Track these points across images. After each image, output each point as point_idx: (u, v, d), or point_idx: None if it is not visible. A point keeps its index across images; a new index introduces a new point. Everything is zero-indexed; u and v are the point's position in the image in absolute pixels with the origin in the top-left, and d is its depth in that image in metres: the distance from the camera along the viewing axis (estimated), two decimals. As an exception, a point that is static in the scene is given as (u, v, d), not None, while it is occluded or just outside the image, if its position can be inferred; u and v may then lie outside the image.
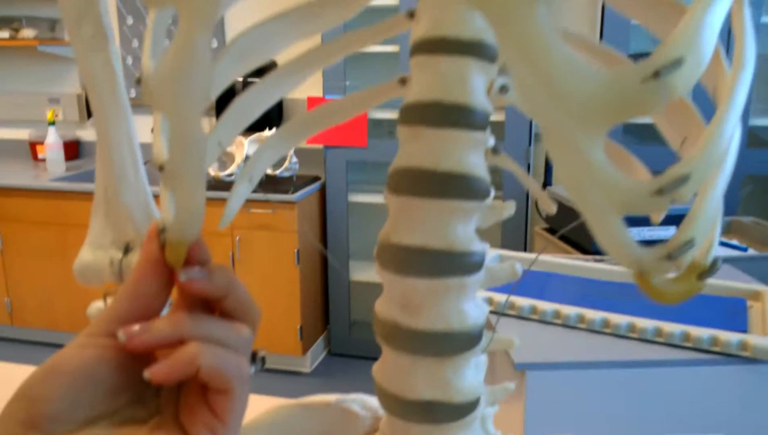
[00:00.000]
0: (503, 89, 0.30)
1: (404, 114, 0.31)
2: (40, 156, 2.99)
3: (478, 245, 0.30)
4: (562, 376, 0.83)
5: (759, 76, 2.10)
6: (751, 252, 1.53)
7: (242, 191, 0.32)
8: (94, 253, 0.44)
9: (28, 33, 2.83)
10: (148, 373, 0.26)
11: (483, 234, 0.32)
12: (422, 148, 0.30)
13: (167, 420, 0.28)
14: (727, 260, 1.32)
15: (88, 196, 2.39)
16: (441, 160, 0.29)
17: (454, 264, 0.30)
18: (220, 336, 0.28)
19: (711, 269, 0.22)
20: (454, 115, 0.29)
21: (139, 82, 0.25)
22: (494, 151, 0.31)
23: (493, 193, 0.31)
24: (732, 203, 2.00)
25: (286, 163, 2.43)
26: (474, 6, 0.19)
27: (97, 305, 0.52)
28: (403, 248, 0.30)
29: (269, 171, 2.46)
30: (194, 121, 0.25)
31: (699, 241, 0.21)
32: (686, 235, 0.21)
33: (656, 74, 0.19)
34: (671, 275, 0.22)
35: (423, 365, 0.31)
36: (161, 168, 0.26)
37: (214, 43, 2.65)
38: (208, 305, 0.29)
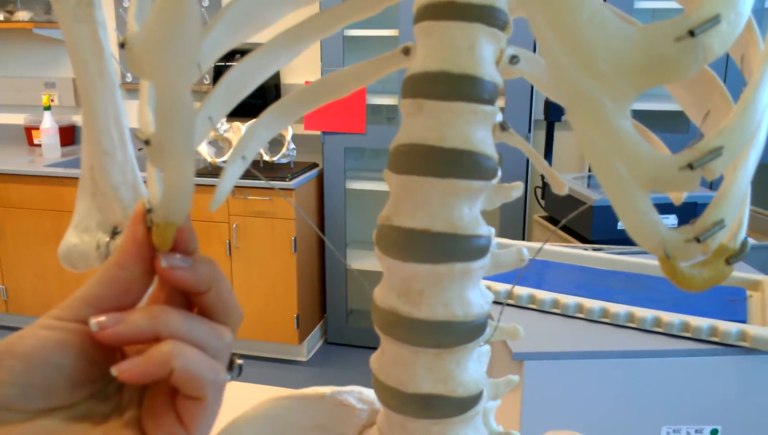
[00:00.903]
0: (514, 59, 0.28)
1: (408, 85, 0.29)
2: (35, 141, 2.96)
3: (484, 228, 0.28)
4: (560, 366, 0.82)
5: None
6: (750, 241, 1.52)
7: (235, 171, 0.29)
8: (79, 236, 0.41)
9: (23, 15, 2.79)
10: (116, 370, 0.24)
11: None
12: (427, 123, 0.27)
13: (127, 421, 0.26)
14: (729, 250, 1.31)
15: (82, 181, 2.36)
16: (447, 135, 0.27)
17: (459, 248, 0.27)
18: (199, 337, 0.25)
19: (740, 252, 0.20)
20: (461, 87, 0.27)
21: (122, 46, 0.23)
22: (502, 127, 0.29)
23: (500, 173, 0.29)
24: (733, 193, 1.99)
25: (284, 150, 2.40)
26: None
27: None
28: (404, 231, 0.28)
29: (267, 157, 2.43)
30: (182, 90, 0.23)
31: (729, 221, 0.19)
32: (716, 215, 0.19)
33: (691, 32, 0.17)
34: (698, 260, 0.20)
35: (424, 357, 0.29)
36: (147, 142, 0.24)
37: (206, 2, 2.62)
38: (188, 300, 0.27)
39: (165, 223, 0.25)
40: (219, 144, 2.50)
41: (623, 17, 0.30)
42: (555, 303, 0.91)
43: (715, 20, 0.17)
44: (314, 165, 2.52)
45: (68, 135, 2.97)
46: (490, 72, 0.27)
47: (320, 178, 2.52)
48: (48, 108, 2.70)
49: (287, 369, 2.46)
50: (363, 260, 2.58)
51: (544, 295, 0.92)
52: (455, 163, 0.27)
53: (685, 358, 0.81)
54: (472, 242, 0.28)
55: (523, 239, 2.30)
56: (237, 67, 0.31)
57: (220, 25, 0.28)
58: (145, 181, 0.36)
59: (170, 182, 0.24)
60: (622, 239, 1.53)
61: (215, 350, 0.26)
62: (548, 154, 2.20)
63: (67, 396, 0.25)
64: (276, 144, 2.49)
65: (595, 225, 1.65)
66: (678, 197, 0.23)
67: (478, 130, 0.27)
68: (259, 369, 2.44)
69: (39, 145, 2.88)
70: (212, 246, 2.41)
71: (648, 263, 1.01)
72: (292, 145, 2.44)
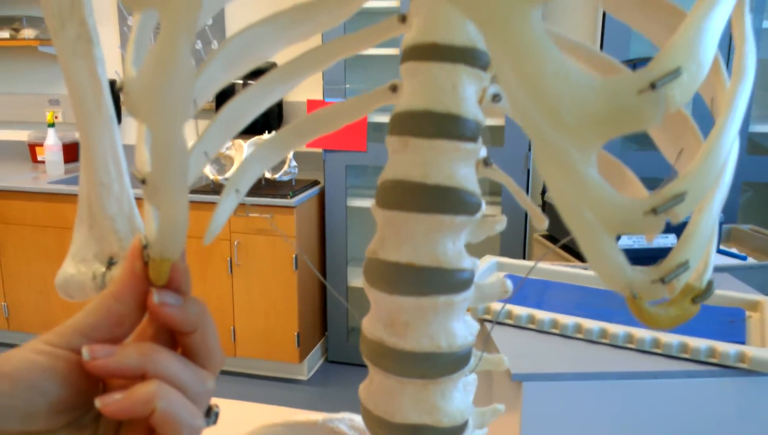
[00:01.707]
0: (496, 98, 0.29)
1: (393, 123, 0.30)
2: (39, 157, 2.98)
3: (467, 262, 0.29)
4: (559, 387, 0.82)
5: (758, 82, 2.09)
6: (750, 261, 1.52)
7: (229, 204, 0.30)
8: (76, 266, 0.43)
9: (28, 33, 2.82)
10: (99, 402, 0.25)
11: (482, 240, 0.31)
12: (411, 160, 0.29)
13: None
14: (726, 269, 1.31)
15: (85, 198, 2.37)
16: (431, 172, 0.28)
17: (443, 281, 0.28)
18: (184, 381, 0.26)
19: (706, 292, 0.21)
20: (444, 126, 0.28)
21: (121, 90, 0.25)
22: (485, 162, 0.30)
23: (484, 207, 0.30)
24: (731, 211, 1.99)
25: (285, 167, 2.42)
26: (463, 11, 0.18)
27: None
28: (390, 264, 0.29)
29: (268, 175, 2.45)
30: (176, 133, 0.24)
31: (694, 263, 0.20)
32: (680, 257, 0.20)
33: (653, 85, 0.18)
34: (664, 299, 0.21)
35: (410, 387, 0.29)
36: (143, 181, 0.25)
37: (214, 44, 2.65)
38: (174, 338, 0.28)
39: (160, 258, 0.26)
40: (221, 161, 2.52)
41: (599, 57, 0.31)
42: (554, 323, 0.91)
43: (676, 73, 0.18)
44: (316, 182, 2.53)
45: (72, 152, 3.00)
46: (472, 111, 0.29)
47: (321, 195, 2.53)
48: (52, 125, 2.72)
49: (288, 388, 2.46)
50: (364, 277, 2.58)
51: (543, 315, 0.92)
52: (439, 199, 0.28)
53: (683, 380, 0.81)
54: (456, 276, 0.29)
55: (524, 258, 2.30)
56: (232, 101, 0.32)
57: (216, 61, 0.29)
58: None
59: (165, 220, 0.25)
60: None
61: (197, 395, 0.27)
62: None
63: (46, 421, 0.25)
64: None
65: (594, 244, 1.64)
66: (651, 237, 0.24)
67: (461, 167, 0.28)
68: (259, 388, 2.44)
69: (42, 162, 2.91)
70: (213, 263, 2.42)
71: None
72: (294, 163, 2.46)
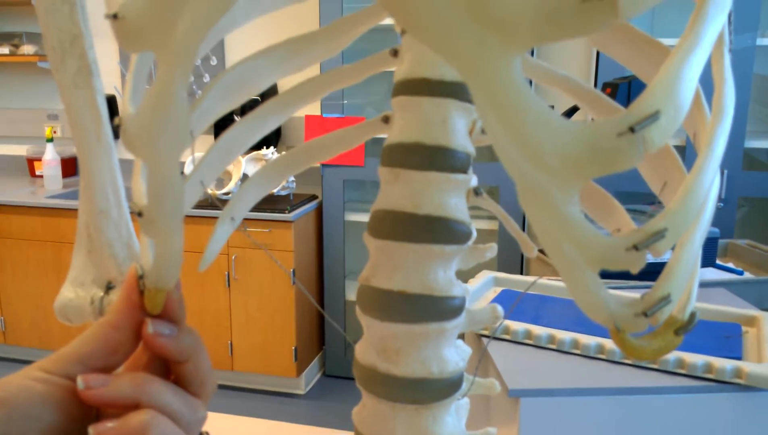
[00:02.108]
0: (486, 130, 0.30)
1: (386, 155, 0.31)
2: (37, 172, 2.99)
3: (458, 289, 0.30)
4: (556, 403, 0.82)
5: (753, 97, 2.11)
6: (746, 276, 1.53)
7: (224, 232, 0.31)
8: (75, 291, 0.43)
9: (28, 49, 2.84)
10: (93, 431, 0.25)
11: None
12: (403, 191, 0.29)
13: None
14: (722, 284, 1.32)
15: (84, 213, 2.37)
16: (421, 203, 0.29)
17: (434, 309, 0.29)
18: (176, 410, 0.27)
19: (688, 324, 0.21)
20: (435, 158, 0.29)
21: (118, 127, 0.25)
22: (476, 192, 0.30)
23: (474, 235, 0.30)
24: (728, 226, 2.00)
25: (283, 182, 2.43)
26: (445, 59, 0.19)
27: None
28: (382, 292, 0.29)
29: (266, 189, 2.45)
30: (172, 169, 0.25)
31: (675, 296, 0.21)
32: (662, 291, 0.21)
33: (632, 129, 0.19)
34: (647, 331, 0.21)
35: (402, 412, 0.30)
36: (140, 214, 0.26)
37: (214, 61, 2.67)
38: (167, 365, 0.28)
39: (156, 288, 0.27)
40: (220, 176, 2.52)
41: (584, 90, 0.32)
42: (551, 338, 0.92)
43: (654, 117, 0.19)
44: (313, 197, 2.54)
45: (70, 166, 3.01)
46: (462, 143, 0.29)
47: (319, 209, 2.54)
48: (51, 140, 2.73)
49: (285, 402, 2.44)
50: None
51: (540, 330, 0.92)
52: (430, 229, 0.29)
53: (680, 395, 0.81)
54: (447, 303, 0.29)
55: (521, 273, 2.31)
56: (228, 131, 0.33)
57: (212, 94, 0.30)
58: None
59: (160, 251, 0.26)
60: (620, 274, 1.54)
61: (189, 424, 0.27)
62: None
63: None
64: (276, 176, 2.51)
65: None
66: (634, 270, 0.24)
67: (451, 197, 0.29)
68: (256, 402, 2.43)
69: (41, 176, 2.92)
70: (211, 277, 2.42)
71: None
72: (292, 178, 2.47)
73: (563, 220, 0.19)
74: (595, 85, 2.27)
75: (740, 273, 1.52)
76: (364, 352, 0.31)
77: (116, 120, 0.25)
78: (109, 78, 2.84)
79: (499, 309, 0.31)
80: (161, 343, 0.27)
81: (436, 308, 0.29)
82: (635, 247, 0.20)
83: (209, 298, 2.43)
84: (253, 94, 0.34)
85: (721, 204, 2.02)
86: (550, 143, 0.18)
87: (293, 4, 0.34)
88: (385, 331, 0.30)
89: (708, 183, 0.22)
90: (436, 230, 0.29)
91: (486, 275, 1.16)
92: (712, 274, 1.49)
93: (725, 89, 0.24)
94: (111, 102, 2.47)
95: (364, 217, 2.51)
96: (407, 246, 0.29)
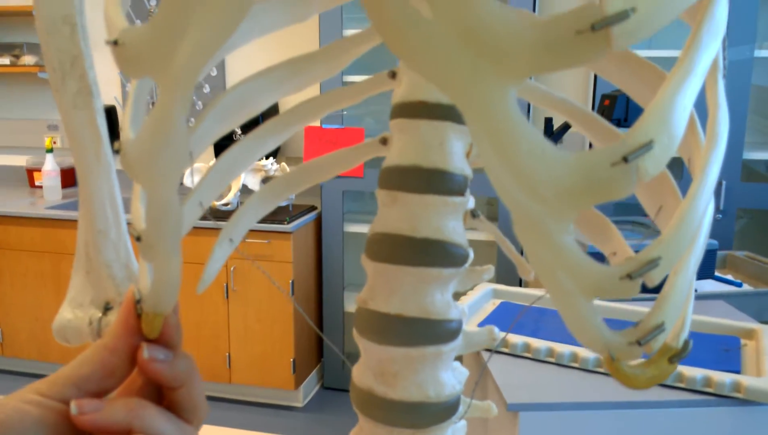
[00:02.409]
0: (482, 154, 0.30)
1: (383, 177, 0.31)
2: (37, 183, 2.99)
3: (455, 312, 0.30)
4: (555, 417, 0.82)
5: (751, 108, 2.12)
6: (745, 288, 1.53)
7: (222, 253, 0.31)
8: (73, 311, 0.43)
9: (28, 60, 2.86)
10: None
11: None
12: (400, 214, 0.29)
13: None
14: (721, 296, 1.32)
15: (83, 224, 2.37)
16: (419, 226, 0.29)
17: (432, 332, 0.29)
18: None
19: (682, 352, 0.22)
20: (432, 181, 0.29)
21: (118, 152, 0.26)
22: (473, 214, 0.31)
23: (471, 257, 0.31)
24: (726, 237, 2.01)
25: (281, 202, 2.43)
26: (440, 87, 0.19)
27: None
28: (379, 315, 0.30)
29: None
30: (171, 195, 0.25)
31: (669, 325, 0.21)
32: (656, 320, 0.21)
33: (626, 158, 0.19)
34: (641, 360, 0.21)
35: (399, 436, 0.30)
36: (138, 238, 0.26)
37: (213, 72, 2.68)
38: (161, 389, 0.29)
39: (153, 313, 0.27)
40: (219, 187, 2.52)
41: (580, 112, 0.32)
42: (550, 352, 0.92)
43: (647, 146, 0.19)
44: (312, 208, 2.54)
45: (70, 177, 3.01)
46: (459, 165, 0.30)
47: (318, 221, 2.54)
48: (50, 150, 2.74)
49: (283, 415, 2.43)
50: (361, 302, 2.57)
51: (539, 343, 0.92)
52: (427, 253, 0.29)
53: (679, 409, 0.81)
54: (444, 326, 0.29)
55: (520, 285, 2.31)
56: (228, 153, 0.33)
57: (212, 115, 0.30)
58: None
59: (158, 276, 0.26)
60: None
61: None
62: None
63: None
64: (275, 187, 2.52)
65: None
66: (630, 296, 0.24)
67: (449, 220, 0.29)
68: (254, 415, 2.41)
69: (40, 187, 2.92)
70: (209, 289, 2.41)
71: (644, 311, 1.01)
72: (291, 189, 2.47)
73: (557, 249, 0.19)
74: (594, 96, 2.28)
75: (739, 285, 1.52)
76: (361, 375, 0.31)
77: (116, 145, 0.25)
78: (109, 88, 2.85)
79: (496, 331, 0.31)
80: (156, 368, 0.27)
81: (434, 331, 0.29)
82: (629, 276, 0.20)
83: (207, 310, 2.42)
84: (253, 115, 0.34)
85: (720, 215, 2.02)
86: (545, 173, 0.19)
87: (293, 24, 0.34)
88: (383, 354, 0.30)
89: (702, 209, 0.22)
90: (434, 253, 0.29)
91: (485, 287, 1.16)
92: (710, 286, 1.49)
93: (719, 115, 0.24)
94: (111, 113, 2.48)
95: (364, 229, 2.51)
96: (405, 269, 0.29)
